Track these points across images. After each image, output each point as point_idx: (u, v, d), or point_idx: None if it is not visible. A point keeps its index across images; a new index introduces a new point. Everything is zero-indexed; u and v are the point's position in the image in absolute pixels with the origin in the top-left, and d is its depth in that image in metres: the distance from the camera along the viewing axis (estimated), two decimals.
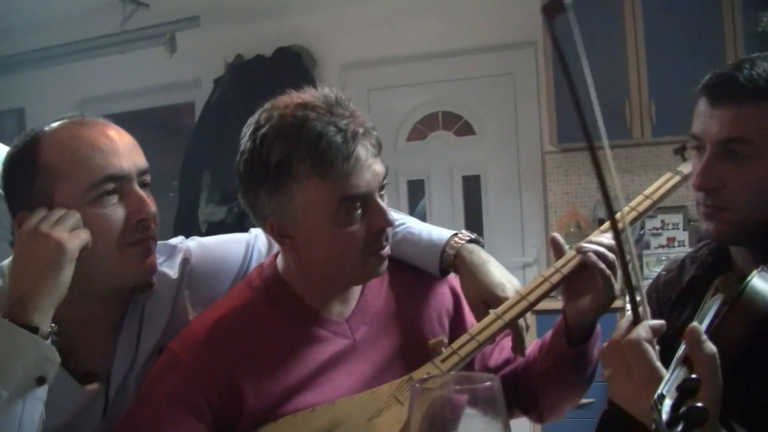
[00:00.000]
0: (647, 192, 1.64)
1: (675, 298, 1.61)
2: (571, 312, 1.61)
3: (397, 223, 1.75)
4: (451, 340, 1.56)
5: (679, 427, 0.93)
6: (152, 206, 1.57)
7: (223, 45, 5.88)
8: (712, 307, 1.29)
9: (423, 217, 5.51)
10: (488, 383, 0.90)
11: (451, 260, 1.68)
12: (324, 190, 1.45)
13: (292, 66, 5.65)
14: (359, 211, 1.48)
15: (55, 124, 1.56)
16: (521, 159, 5.41)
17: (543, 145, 5.30)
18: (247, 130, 1.52)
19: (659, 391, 1.04)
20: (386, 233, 1.54)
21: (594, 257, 1.52)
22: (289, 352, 1.55)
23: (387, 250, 1.55)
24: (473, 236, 1.72)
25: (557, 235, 1.62)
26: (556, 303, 4.85)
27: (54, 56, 6.03)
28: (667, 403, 0.99)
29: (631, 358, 1.17)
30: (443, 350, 1.51)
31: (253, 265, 1.75)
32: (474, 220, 5.44)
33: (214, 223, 5.46)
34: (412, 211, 5.68)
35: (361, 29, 5.70)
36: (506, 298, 1.58)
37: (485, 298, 1.61)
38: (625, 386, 1.19)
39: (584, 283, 1.56)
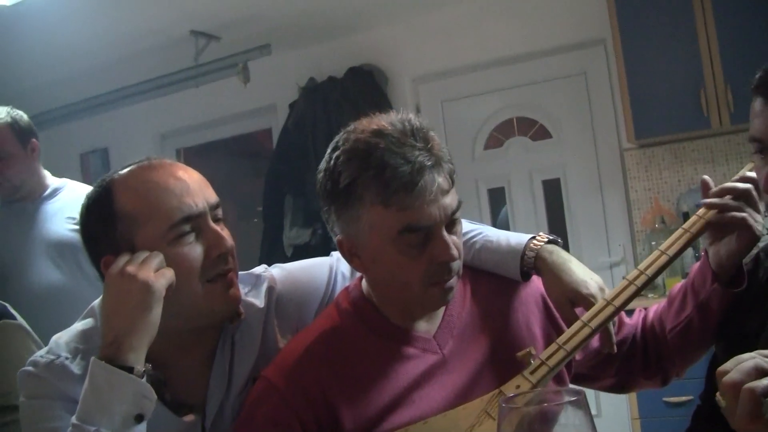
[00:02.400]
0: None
1: (754, 293, 1.59)
2: (716, 256, 1.64)
3: (473, 232, 1.77)
4: (547, 344, 1.57)
5: None
6: (229, 240, 1.61)
7: (295, 70, 5.96)
8: None
9: (506, 224, 5.50)
10: (575, 398, 0.90)
11: (531, 263, 1.69)
12: (387, 218, 1.47)
13: (364, 84, 5.69)
14: (422, 242, 1.50)
15: (124, 171, 1.62)
16: (600, 158, 5.33)
17: (621, 143, 5.21)
18: (328, 149, 1.55)
19: None
20: (451, 266, 1.54)
21: (720, 216, 1.57)
22: (381, 371, 1.57)
23: (452, 282, 1.56)
24: (551, 237, 1.73)
25: (707, 178, 1.66)
26: (645, 301, 4.78)
27: (132, 95, 6.20)
28: None
29: (747, 408, 1.12)
30: (532, 361, 1.51)
31: (338, 288, 1.78)
32: (557, 223, 5.39)
33: (300, 246, 5.53)
34: (495, 219, 5.67)
35: (428, 42, 5.72)
36: (591, 295, 1.59)
37: (570, 296, 1.62)
38: (737, 420, 1.14)
39: (726, 226, 1.60)
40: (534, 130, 5.57)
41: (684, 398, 4.18)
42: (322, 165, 1.55)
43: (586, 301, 1.59)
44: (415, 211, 1.46)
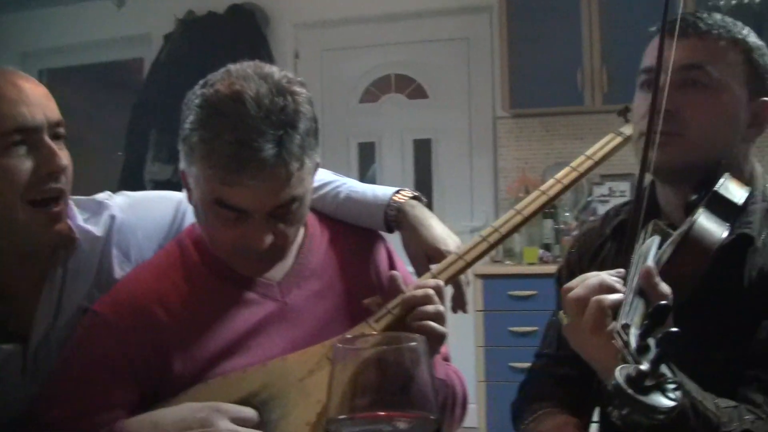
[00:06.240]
0: (589, 152, 1.64)
1: (597, 246, 1.64)
2: None
3: (337, 182, 1.73)
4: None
5: (651, 354, 0.91)
6: (63, 159, 1.51)
7: (174, 0, 5.77)
8: (651, 248, 1.29)
9: (373, 182, 5.49)
10: (413, 343, 0.87)
11: (393, 216, 1.66)
12: (208, 181, 1.40)
13: (244, 24, 5.58)
14: (236, 219, 1.43)
15: None
16: (473, 124, 5.41)
17: (495, 111, 5.30)
18: (201, 81, 1.47)
19: (623, 321, 1.03)
20: (262, 252, 1.46)
21: (422, 323, 1.43)
22: (218, 315, 1.52)
23: (265, 265, 1.52)
24: (416, 194, 1.71)
25: (396, 273, 1.55)
26: (501, 268, 4.89)
27: None
28: (634, 332, 0.98)
29: (592, 320, 1.17)
30: (378, 310, 1.48)
31: (186, 224, 1.70)
32: (424, 184, 5.44)
33: (161, 182, 5.39)
34: (363, 176, 5.66)
35: None
36: (449, 252, 1.57)
37: (428, 252, 1.60)
38: (579, 334, 1.21)
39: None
40: (411, 88, 5.60)
41: (529, 328, 4.37)
42: (188, 95, 1.47)
43: (444, 257, 1.57)
44: (234, 191, 1.38)
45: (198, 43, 5.53)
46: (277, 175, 1.39)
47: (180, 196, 1.74)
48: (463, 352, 4.79)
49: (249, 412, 1.38)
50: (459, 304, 1.61)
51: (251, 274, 1.55)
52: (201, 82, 1.46)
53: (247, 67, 1.45)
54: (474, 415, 4.52)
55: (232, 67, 1.46)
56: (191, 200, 1.51)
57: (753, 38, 1.48)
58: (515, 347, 4.44)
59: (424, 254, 1.60)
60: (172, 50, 5.65)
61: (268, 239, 1.44)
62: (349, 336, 1.45)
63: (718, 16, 1.48)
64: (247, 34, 5.51)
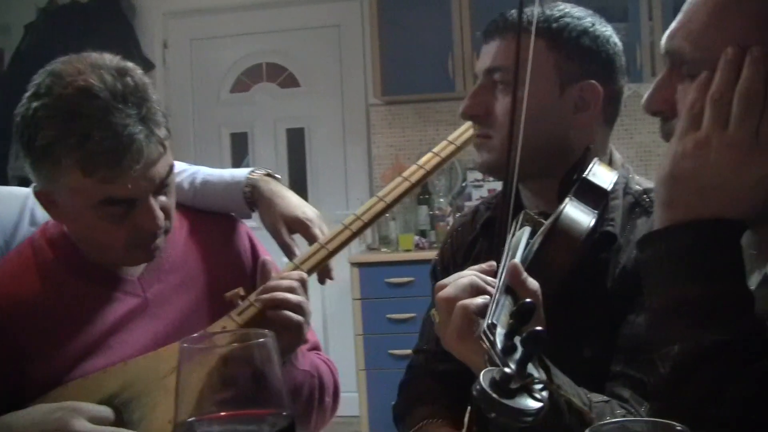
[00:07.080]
0: (451, 138, 1.64)
1: (470, 241, 1.64)
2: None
3: (191, 169, 1.72)
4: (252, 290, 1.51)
5: (518, 354, 0.89)
6: None
7: None
8: (522, 239, 1.29)
9: None
10: (262, 340, 0.85)
11: (249, 194, 1.65)
12: (87, 186, 1.36)
13: (110, 13, 5.39)
14: (125, 211, 1.40)
15: None
16: (346, 112, 5.42)
17: (368, 98, 5.31)
18: (29, 90, 1.39)
19: (489, 321, 1.02)
20: (156, 233, 1.45)
21: (280, 313, 1.44)
22: (76, 314, 1.48)
23: (158, 242, 1.48)
24: (269, 171, 1.72)
25: (267, 259, 1.57)
26: (377, 255, 4.88)
27: None
28: (500, 332, 0.97)
29: (459, 325, 1.16)
30: (240, 302, 1.46)
31: (35, 221, 1.64)
32: (298, 173, 5.40)
33: (26, 179, 5.14)
34: (237, 167, 5.57)
35: None
36: (308, 219, 1.60)
37: (287, 221, 1.61)
38: (450, 335, 1.19)
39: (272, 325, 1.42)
40: (283, 77, 5.56)
41: (408, 315, 4.43)
42: (20, 108, 1.39)
43: (303, 225, 1.60)
44: (118, 185, 1.35)
45: (61, 34, 5.31)
46: (155, 151, 1.38)
47: (26, 191, 1.67)
48: (342, 340, 4.81)
49: (105, 411, 1.35)
50: (325, 273, 1.61)
51: (145, 261, 1.52)
52: (26, 95, 1.39)
53: (75, 62, 1.40)
54: (355, 403, 4.54)
55: (57, 68, 1.41)
56: (59, 218, 1.47)
57: (566, 20, 1.46)
58: (394, 334, 4.47)
59: (283, 224, 1.61)
60: (33, 41, 5.41)
61: (161, 216, 1.43)
62: (211, 330, 1.43)
63: (527, 10, 1.42)
64: (113, 24, 5.33)
